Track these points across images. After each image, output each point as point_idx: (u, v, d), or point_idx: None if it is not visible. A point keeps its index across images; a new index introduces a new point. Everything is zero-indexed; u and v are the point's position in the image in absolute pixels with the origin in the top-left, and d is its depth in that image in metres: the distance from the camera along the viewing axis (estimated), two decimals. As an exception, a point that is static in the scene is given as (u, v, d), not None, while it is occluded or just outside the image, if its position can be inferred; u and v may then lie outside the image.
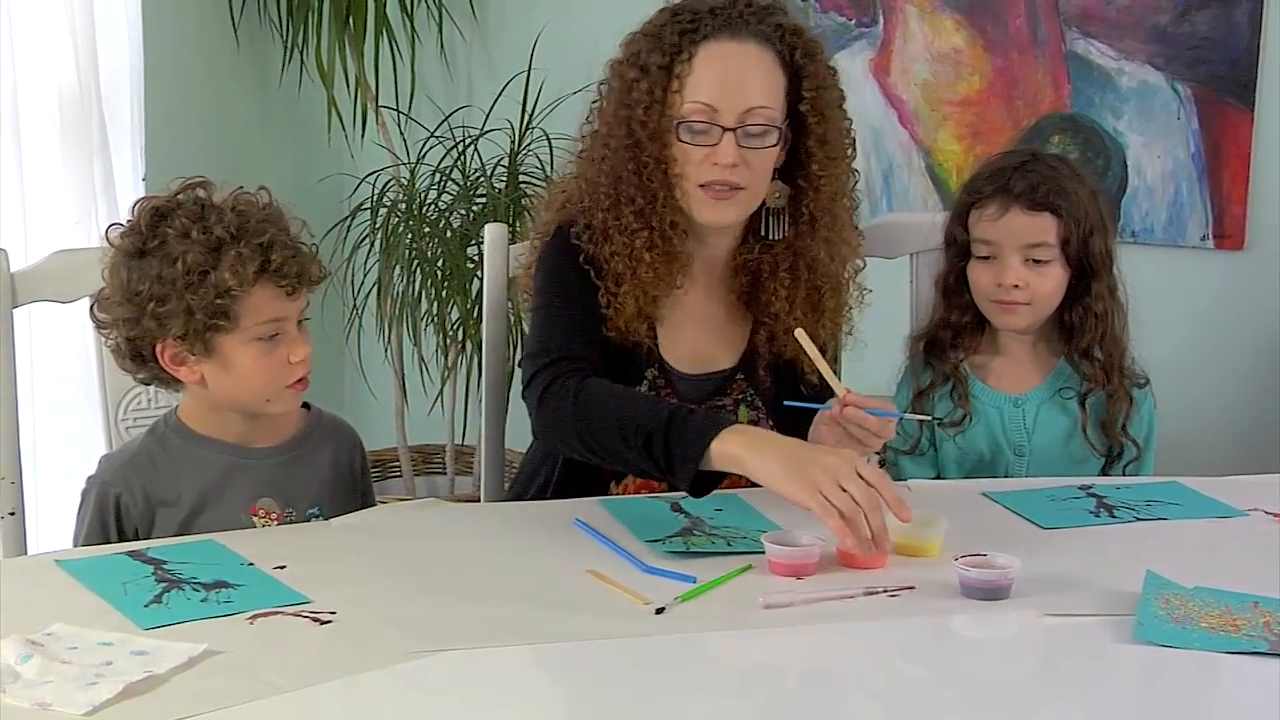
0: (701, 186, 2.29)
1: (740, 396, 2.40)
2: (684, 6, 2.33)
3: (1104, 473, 2.52)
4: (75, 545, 2.16)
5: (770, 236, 2.38)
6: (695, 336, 2.42)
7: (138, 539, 2.14)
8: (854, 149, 2.42)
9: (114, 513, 2.15)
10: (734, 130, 2.26)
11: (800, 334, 2.25)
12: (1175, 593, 1.88)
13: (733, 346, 2.43)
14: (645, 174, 2.31)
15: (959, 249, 2.55)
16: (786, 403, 2.34)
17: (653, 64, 2.30)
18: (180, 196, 2.15)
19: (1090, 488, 2.34)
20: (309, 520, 2.20)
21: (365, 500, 2.30)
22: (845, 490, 1.94)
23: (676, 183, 2.30)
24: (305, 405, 2.29)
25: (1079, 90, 3.66)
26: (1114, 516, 2.23)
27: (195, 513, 2.16)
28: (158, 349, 2.13)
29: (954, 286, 2.57)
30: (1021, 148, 2.79)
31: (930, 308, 2.63)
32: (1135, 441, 2.52)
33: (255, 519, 2.18)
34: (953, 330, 2.57)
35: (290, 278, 2.11)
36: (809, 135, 2.32)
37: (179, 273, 2.08)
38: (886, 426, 2.19)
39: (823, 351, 2.28)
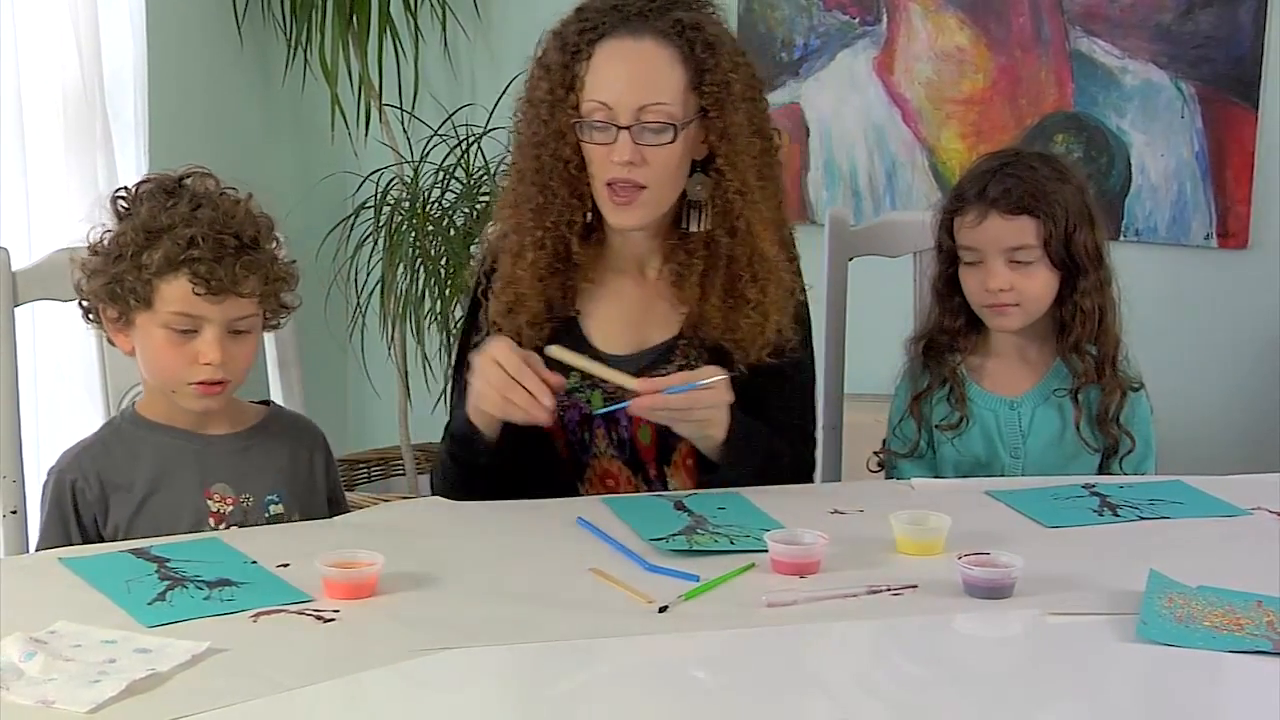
0: (608, 186, 2.30)
1: (684, 362, 2.37)
2: (590, 5, 2.33)
3: (1102, 469, 2.52)
4: (39, 539, 2.18)
5: (688, 229, 2.36)
6: (627, 320, 2.40)
7: (95, 525, 2.16)
8: (773, 139, 2.38)
9: (71, 500, 2.16)
10: (629, 128, 2.26)
11: (553, 350, 2.23)
12: (1179, 592, 1.88)
13: (669, 321, 2.40)
14: (545, 173, 2.33)
15: (947, 255, 2.55)
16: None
17: (554, 63, 2.32)
18: (187, 180, 2.18)
19: (1094, 487, 2.34)
20: (268, 507, 2.19)
21: (335, 506, 2.29)
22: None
23: (591, 184, 2.31)
24: (266, 402, 2.31)
25: (1082, 89, 3.66)
26: (1117, 515, 2.22)
27: (148, 496, 2.16)
28: (101, 310, 2.17)
29: (945, 290, 2.57)
30: (1007, 148, 2.78)
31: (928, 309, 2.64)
32: (1130, 434, 2.51)
33: (210, 502, 2.17)
34: (948, 333, 2.57)
35: (205, 280, 2.10)
36: (712, 128, 2.30)
37: (119, 244, 2.13)
38: (702, 396, 2.17)
39: (781, 353, 2.32)
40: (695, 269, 2.34)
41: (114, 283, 2.13)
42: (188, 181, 2.18)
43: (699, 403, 2.18)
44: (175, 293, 2.11)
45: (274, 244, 2.20)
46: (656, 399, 2.16)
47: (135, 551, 1.99)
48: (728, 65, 2.29)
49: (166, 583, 1.88)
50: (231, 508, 2.18)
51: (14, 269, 2.38)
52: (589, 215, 2.35)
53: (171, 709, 1.57)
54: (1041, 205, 2.46)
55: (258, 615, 1.81)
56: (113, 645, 1.70)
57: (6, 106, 3.24)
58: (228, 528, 2.16)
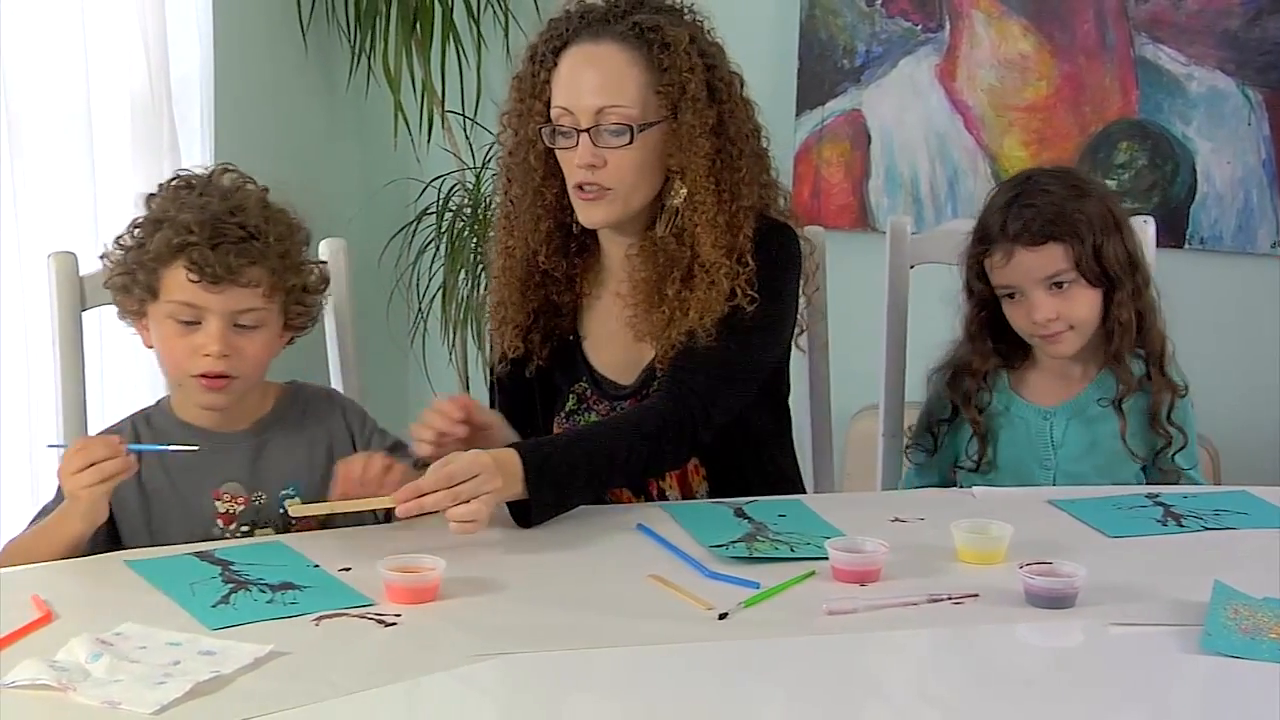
0: (577, 189, 2.32)
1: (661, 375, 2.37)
2: (558, 16, 2.36)
3: (1154, 463, 2.49)
4: (37, 514, 2.15)
5: (658, 232, 2.35)
6: (622, 340, 2.41)
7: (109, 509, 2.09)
8: (741, 142, 2.35)
9: None
10: (588, 131, 2.28)
11: (295, 509, 2.11)
12: (1244, 603, 1.86)
13: (654, 339, 2.38)
14: (514, 183, 2.38)
15: (979, 298, 2.51)
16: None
17: (524, 74, 2.35)
18: (212, 176, 2.18)
19: (1158, 496, 2.32)
20: (282, 502, 2.17)
21: (391, 446, 2.23)
22: None
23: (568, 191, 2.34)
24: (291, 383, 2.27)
25: (1147, 96, 3.63)
26: (1181, 525, 2.21)
27: (157, 490, 2.15)
28: (122, 304, 2.18)
29: (978, 333, 2.53)
30: (1019, 173, 2.69)
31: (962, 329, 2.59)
32: (1182, 429, 2.48)
33: (218, 503, 2.16)
34: (976, 376, 2.52)
35: (199, 266, 2.07)
36: (668, 129, 2.30)
37: (132, 236, 2.14)
38: (459, 488, 2.04)
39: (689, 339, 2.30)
40: (652, 276, 2.35)
41: (126, 273, 2.14)
42: (212, 177, 2.18)
43: (459, 495, 2.04)
44: (176, 283, 2.10)
45: (289, 239, 2.16)
46: (410, 505, 2.04)
47: (200, 554, 2.01)
48: (683, 65, 2.29)
49: (230, 585, 1.90)
50: (243, 507, 2.17)
51: (81, 274, 2.40)
52: (575, 226, 2.38)
53: (235, 711, 1.59)
54: (1064, 228, 2.42)
55: (320, 619, 1.82)
56: (178, 647, 1.71)
57: (75, 112, 3.28)
58: (238, 527, 2.16)
